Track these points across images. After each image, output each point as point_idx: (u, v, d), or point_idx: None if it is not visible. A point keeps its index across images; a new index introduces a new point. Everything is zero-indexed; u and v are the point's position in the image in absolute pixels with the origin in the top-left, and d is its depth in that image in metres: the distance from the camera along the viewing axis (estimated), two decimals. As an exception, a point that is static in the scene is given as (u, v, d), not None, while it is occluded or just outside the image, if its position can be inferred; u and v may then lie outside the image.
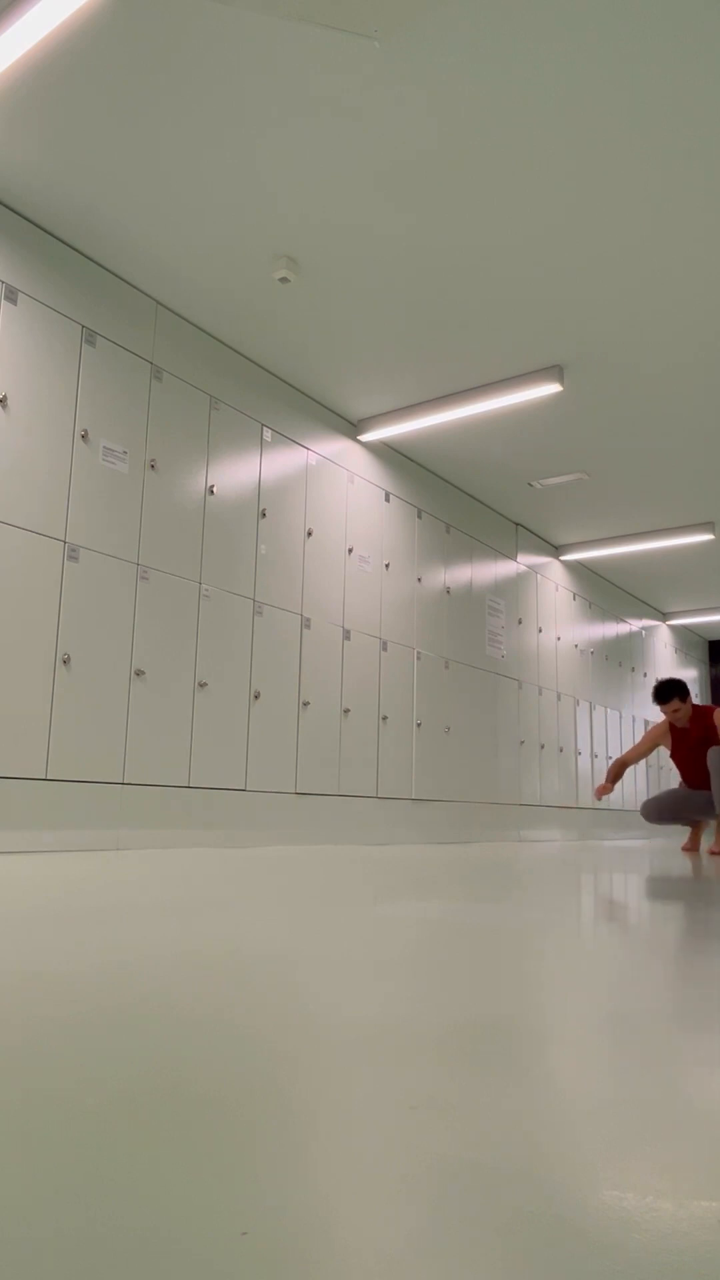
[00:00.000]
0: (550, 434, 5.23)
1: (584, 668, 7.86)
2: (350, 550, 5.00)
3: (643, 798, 8.98)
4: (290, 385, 4.69)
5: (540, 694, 7.05)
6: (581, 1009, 0.92)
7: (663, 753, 9.68)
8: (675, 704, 5.36)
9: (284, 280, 3.69)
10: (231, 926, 1.42)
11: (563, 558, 7.53)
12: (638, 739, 8.95)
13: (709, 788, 5.51)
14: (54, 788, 3.29)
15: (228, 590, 4.15)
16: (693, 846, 5.60)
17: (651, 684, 9.40)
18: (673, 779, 9.89)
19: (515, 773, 6.56)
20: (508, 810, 6.40)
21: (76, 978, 0.99)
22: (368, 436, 5.14)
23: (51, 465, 3.40)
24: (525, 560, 6.96)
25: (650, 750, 5.59)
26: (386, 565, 5.30)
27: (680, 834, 9.42)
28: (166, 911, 1.58)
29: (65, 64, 2.69)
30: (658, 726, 5.59)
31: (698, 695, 10.83)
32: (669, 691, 5.36)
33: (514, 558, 6.80)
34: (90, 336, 3.61)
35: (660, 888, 2.59)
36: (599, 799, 5.66)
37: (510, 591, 6.71)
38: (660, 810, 5.51)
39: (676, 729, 5.51)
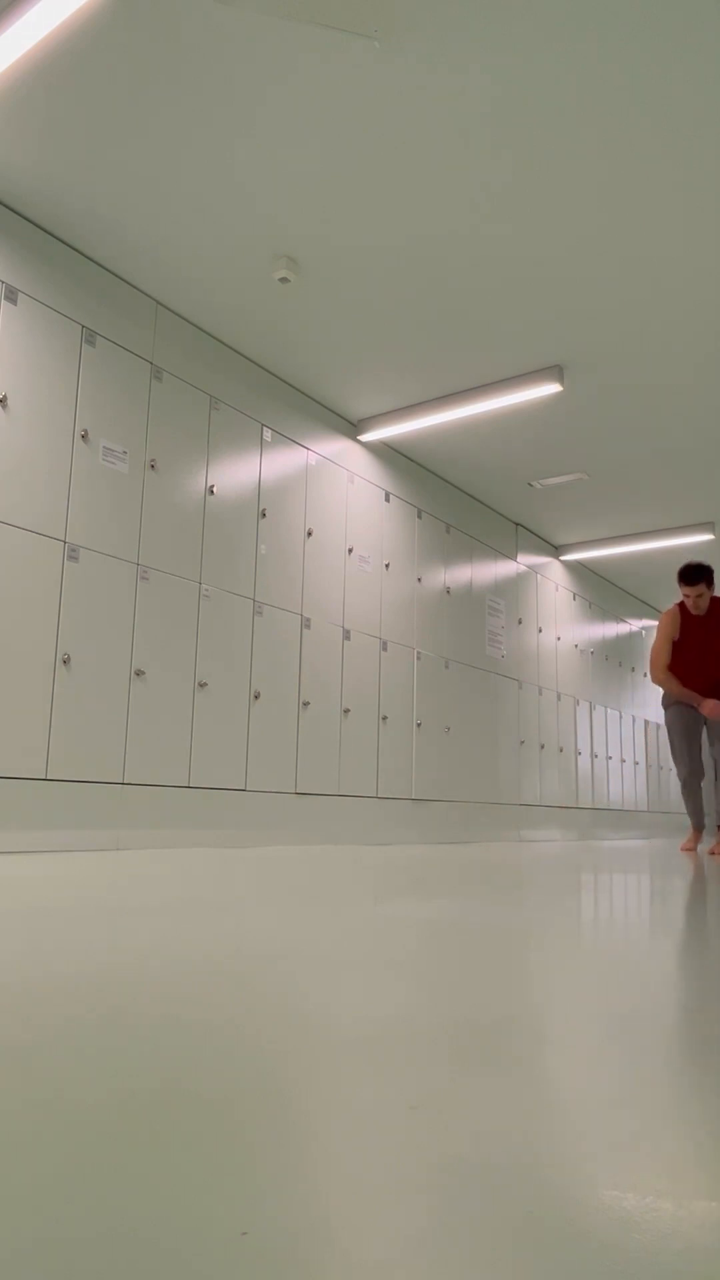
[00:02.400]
0: (550, 434, 5.23)
1: (584, 668, 7.86)
2: (350, 550, 5.00)
3: (643, 799, 8.98)
4: (290, 385, 4.69)
5: (540, 694, 7.05)
6: (582, 1009, 0.92)
7: (662, 749, 9.68)
8: (701, 588, 5.15)
9: (284, 280, 3.69)
10: (232, 926, 1.42)
11: (563, 558, 7.53)
12: (637, 739, 8.95)
13: (709, 693, 5.36)
14: (54, 788, 3.29)
15: (228, 590, 4.15)
16: (692, 846, 5.60)
17: (653, 683, 9.40)
18: (669, 782, 9.88)
19: (515, 773, 6.56)
20: (508, 810, 6.40)
21: (76, 978, 0.99)
22: (368, 436, 5.14)
23: (51, 465, 3.40)
24: (525, 560, 6.96)
25: (670, 641, 5.29)
26: (386, 565, 5.30)
27: (678, 832, 9.42)
28: (166, 911, 1.58)
29: (65, 64, 2.69)
30: (667, 616, 5.33)
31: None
32: (698, 574, 5.12)
33: (514, 558, 6.80)
34: (90, 336, 3.61)
35: (660, 888, 2.59)
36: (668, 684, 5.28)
37: (510, 591, 6.71)
38: (687, 750, 5.36)
39: (688, 616, 5.31)
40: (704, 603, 5.22)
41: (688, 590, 5.19)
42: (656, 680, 5.33)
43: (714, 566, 8.32)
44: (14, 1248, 0.40)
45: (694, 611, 5.27)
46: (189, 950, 1.18)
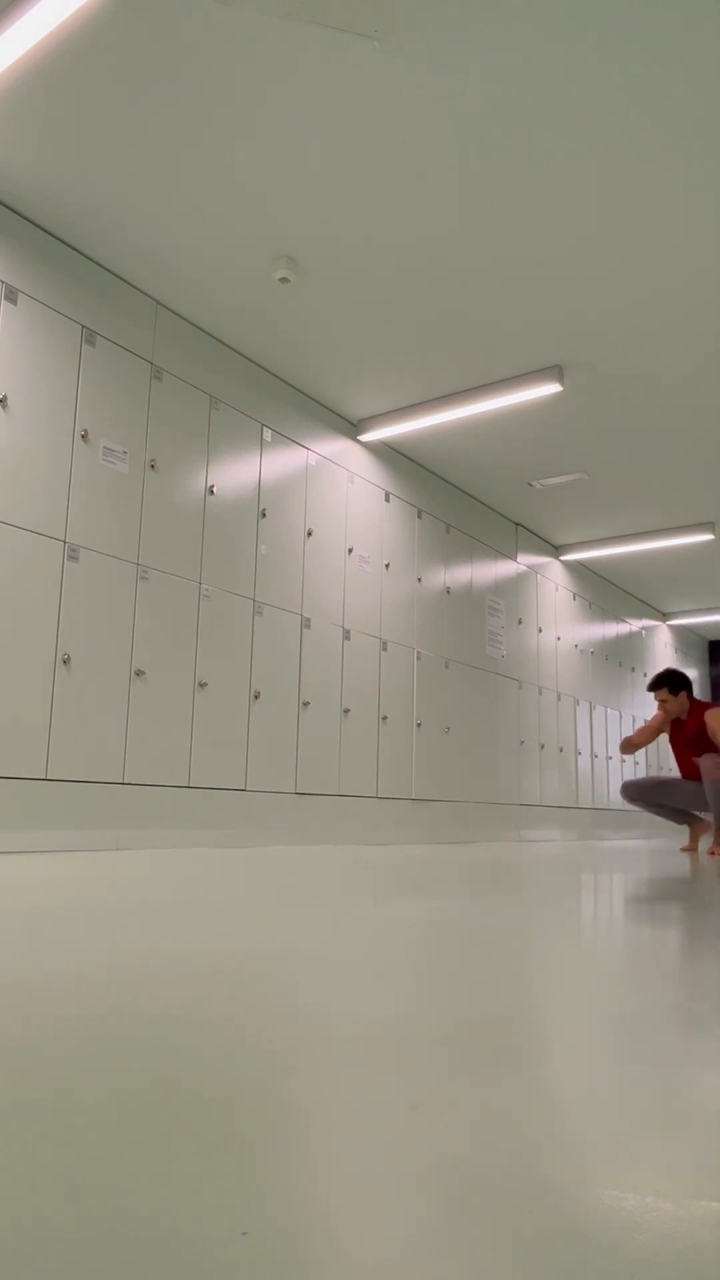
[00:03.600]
0: (550, 434, 5.23)
1: (584, 668, 7.86)
2: (350, 550, 5.00)
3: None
4: (290, 385, 4.69)
5: (540, 694, 7.04)
6: (582, 1009, 0.92)
7: (663, 750, 9.68)
8: (664, 694, 5.36)
9: (284, 280, 3.69)
10: (231, 926, 1.42)
11: (563, 558, 7.52)
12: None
13: (697, 778, 5.52)
14: (54, 788, 3.29)
15: (228, 590, 4.15)
16: (692, 847, 5.60)
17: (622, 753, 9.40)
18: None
19: (515, 773, 6.56)
20: (508, 810, 6.40)
21: (76, 978, 0.99)
22: (368, 436, 5.14)
23: (51, 465, 3.40)
24: (525, 560, 6.96)
25: (656, 734, 5.52)
26: (386, 565, 5.30)
27: (678, 832, 9.42)
28: (166, 912, 1.58)
29: (65, 64, 2.69)
30: (660, 714, 5.56)
31: (699, 695, 10.80)
32: (658, 682, 5.37)
33: (514, 558, 6.79)
34: (90, 336, 3.61)
35: (660, 889, 2.59)
36: (625, 753, 5.57)
37: (510, 591, 6.71)
38: (640, 791, 5.51)
39: (674, 720, 5.52)
40: (672, 708, 5.40)
41: (654, 695, 5.42)
42: (630, 747, 5.44)
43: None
44: (14, 1248, 0.40)
45: (669, 716, 5.45)
46: (189, 950, 1.18)
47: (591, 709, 7.92)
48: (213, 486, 4.13)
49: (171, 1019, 0.82)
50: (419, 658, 5.52)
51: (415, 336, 4.22)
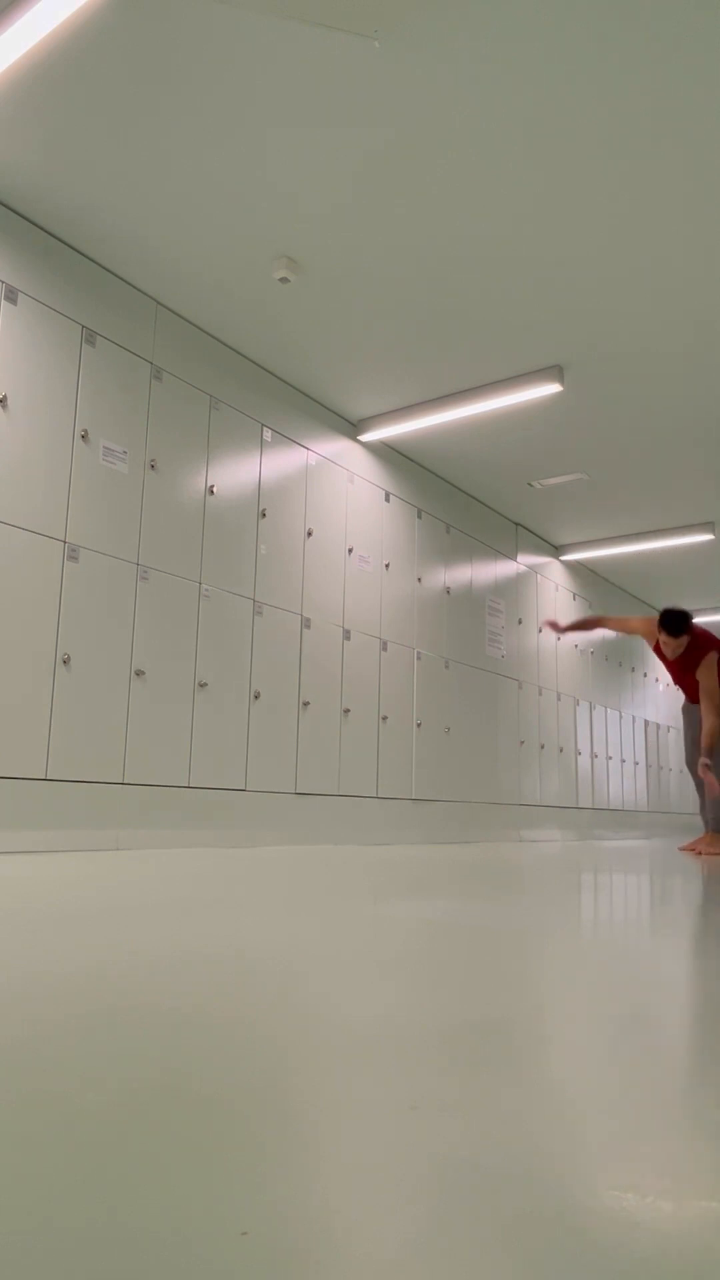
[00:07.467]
0: (550, 434, 5.22)
1: (584, 668, 7.85)
2: (350, 550, 5.00)
3: (643, 799, 8.97)
4: (290, 385, 4.69)
5: (540, 694, 7.04)
6: (583, 1011, 0.92)
7: (662, 749, 9.68)
8: (683, 640, 5.16)
9: (284, 280, 3.69)
10: (232, 927, 1.42)
11: (563, 558, 7.52)
12: (637, 739, 8.94)
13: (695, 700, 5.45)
14: (54, 788, 3.29)
15: (228, 590, 4.15)
16: (692, 846, 5.59)
17: (652, 683, 9.40)
18: (669, 782, 9.88)
19: (515, 773, 6.56)
20: (508, 810, 6.40)
21: (77, 978, 0.99)
22: (368, 436, 5.14)
23: (51, 465, 3.40)
24: (525, 560, 6.96)
25: (628, 634, 5.29)
26: (386, 565, 5.30)
27: (680, 832, 9.42)
28: (166, 912, 1.58)
29: (65, 64, 2.69)
30: (651, 623, 5.31)
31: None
32: (685, 626, 5.13)
33: (514, 558, 6.79)
34: (90, 336, 3.61)
35: (659, 888, 2.59)
36: (550, 630, 5.16)
37: (510, 591, 6.71)
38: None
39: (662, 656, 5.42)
40: (677, 648, 5.27)
41: (671, 639, 5.23)
42: None
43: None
44: (14, 1247, 0.40)
45: (669, 656, 5.30)
46: (189, 950, 1.18)
47: (591, 709, 7.92)
48: (213, 486, 4.13)
49: (172, 1019, 0.82)
50: (419, 658, 5.52)
51: (415, 336, 4.22)
